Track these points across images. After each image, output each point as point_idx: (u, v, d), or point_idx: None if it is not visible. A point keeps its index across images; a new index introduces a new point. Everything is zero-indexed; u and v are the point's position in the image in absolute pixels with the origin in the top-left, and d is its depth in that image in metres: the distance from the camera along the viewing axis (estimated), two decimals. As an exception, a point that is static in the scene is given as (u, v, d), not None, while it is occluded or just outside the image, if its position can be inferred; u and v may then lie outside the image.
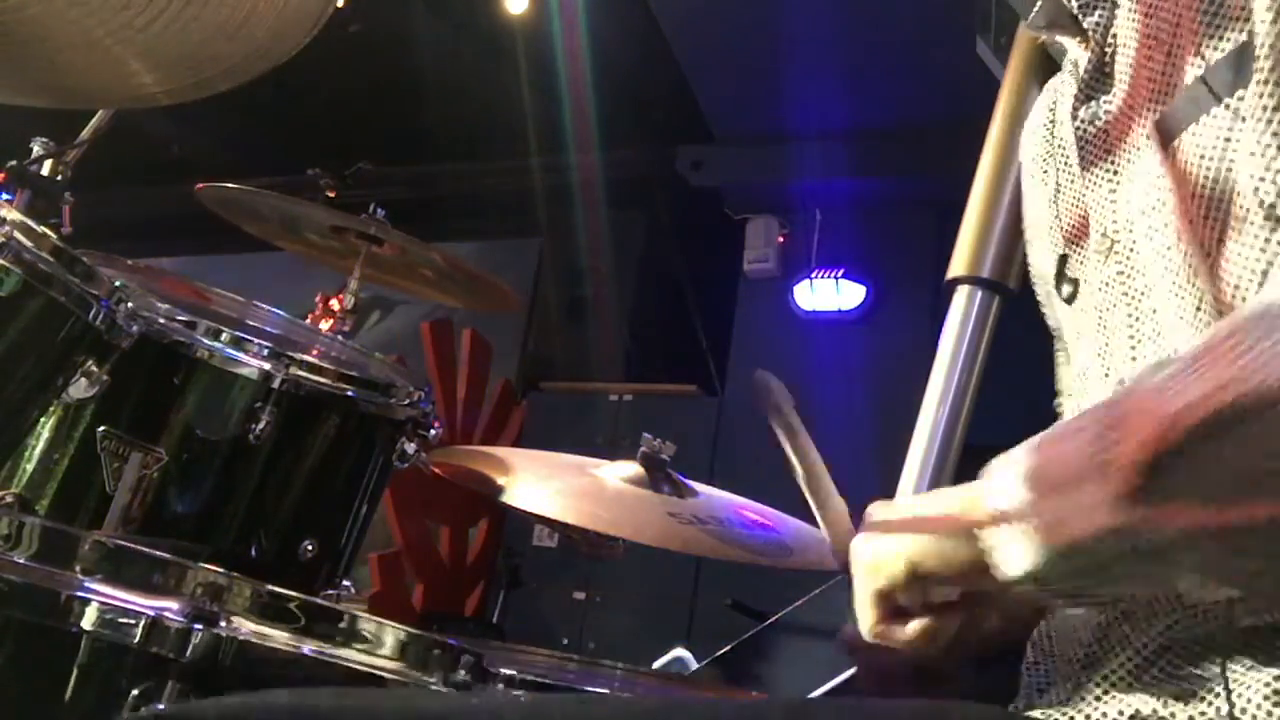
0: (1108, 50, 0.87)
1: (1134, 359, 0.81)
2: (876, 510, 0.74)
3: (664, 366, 5.07)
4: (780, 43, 4.16)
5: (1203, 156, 0.73)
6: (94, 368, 1.08)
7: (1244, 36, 0.71)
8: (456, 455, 1.45)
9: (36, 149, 1.64)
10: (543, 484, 1.29)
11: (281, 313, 1.51)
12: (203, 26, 1.11)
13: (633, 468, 1.31)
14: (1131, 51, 0.82)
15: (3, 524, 0.71)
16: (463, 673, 0.78)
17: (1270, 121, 0.68)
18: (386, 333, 5.48)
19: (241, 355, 1.21)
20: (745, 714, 0.73)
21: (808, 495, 0.75)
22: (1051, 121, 1.00)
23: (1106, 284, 0.86)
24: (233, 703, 0.60)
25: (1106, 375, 0.85)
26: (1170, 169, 0.76)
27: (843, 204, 4.88)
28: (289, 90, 3.78)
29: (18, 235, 0.93)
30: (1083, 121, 0.89)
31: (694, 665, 1.75)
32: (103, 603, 0.69)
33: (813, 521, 1.39)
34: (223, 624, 0.70)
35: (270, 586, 0.74)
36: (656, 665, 1.69)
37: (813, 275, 4.79)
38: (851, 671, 1.63)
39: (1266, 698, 0.64)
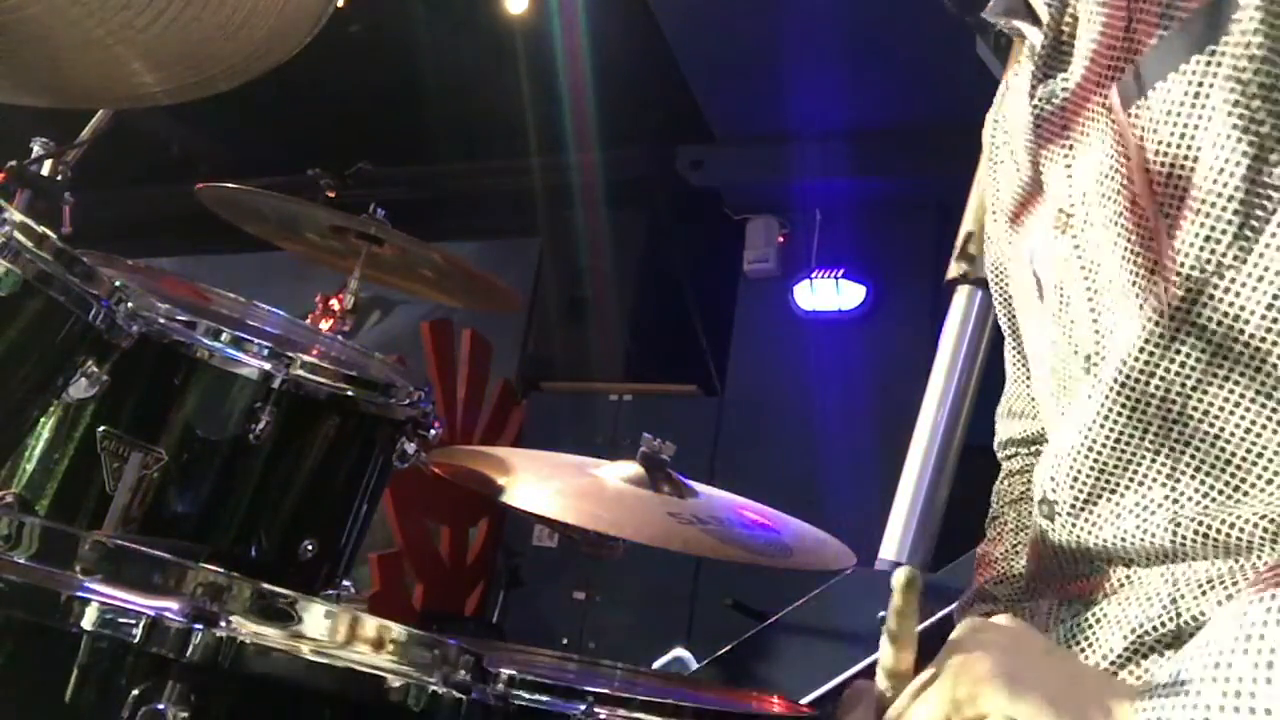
0: (1065, 29, 0.87)
1: (1096, 332, 0.81)
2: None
3: (664, 366, 5.07)
4: (780, 43, 4.16)
5: (1169, 113, 0.73)
6: (94, 368, 1.08)
7: None
8: (456, 455, 1.45)
9: (36, 149, 1.64)
10: (543, 484, 1.29)
11: (281, 313, 1.51)
12: (203, 26, 1.11)
13: (633, 468, 1.32)
14: (1097, 27, 0.82)
15: (3, 524, 0.71)
16: (463, 673, 0.78)
17: (1257, 71, 0.68)
18: (386, 333, 5.48)
19: (241, 355, 1.21)
20: None
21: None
22: (1004, 115, 1.00)
23: (1064, 260, 0.86)
24: None
25: (1075, 351, 0.85)
26: (1129, 133, 0.76)
27: (843, 204, 4.88)
28: (289, 90, 3.77)
29: (18, 235, 0.93)
30: (1040, 100, 0.89)
31: (694, 665, 1.76)
32: (103, 603, 0.68)
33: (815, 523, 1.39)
34: (223, 624, 0.70)
35: (270, 586, 0.74)
36: (656, 665, 1.69)
37: (813, 275, 4.79)
38: (852, 671, 1.63)
39: None
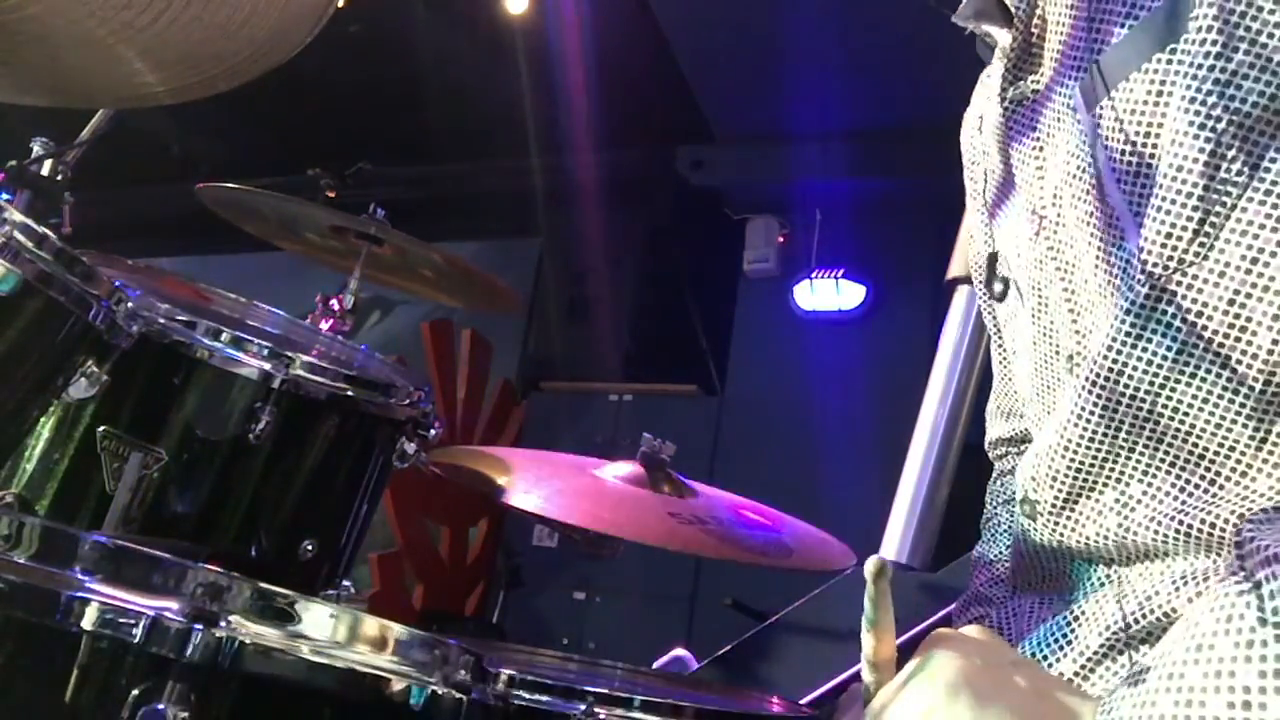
0: (1035, 31, 0.87)
1: (1076, 332, 0.82)
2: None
3: (664, 366, 5.07)
4: (780, 43, 4.16)
5: (1132, 112, 0.73)
6: (94, 368, 1.08)
7: None
8: (456, 455, 1.45)
9: (36, 149, 1.64)
10: (543, 484, 1.29)
11: (281, 313, 1.51)
12: (204, 26, 1.11)
13: (633, 468, 1.32)
14: (1064, 28, 0.83)
15: (3, 524, 0.71)
16: (463, 673, 0.78)
17: (1212, 69, 0.68)
18: (386, 333, 5.48)
19: (241, 355, 1.21)
20: None
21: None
22: (980, 117, 1.00)
23: (1040, 262, 0.86)
24: None
25: (1057, 353, 0.86)
26: (1095, 132, 0.76)
27: (843, 204, 4.87)
28: (289, 90, 3.78)
29: (18, 235, 0.93)
30: (1010, 102, 0.89)
31: (694, 665, 1.76)
32: (103, 603, 0.68)
33: (813, 523, 1.39)
34: (223, 624, 0.70)
35: (270, 586, 0.74)
36: (656, 665, 1.69)
37: (813, 275, 4.79)
38: (852, 671, 1.63)
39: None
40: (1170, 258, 0.70)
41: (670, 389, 4.94)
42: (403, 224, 2.11)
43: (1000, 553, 1.04)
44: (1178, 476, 0.73)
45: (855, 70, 4.17)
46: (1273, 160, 0.66)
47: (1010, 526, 1.06)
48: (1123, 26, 0.75)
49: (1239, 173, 0.67)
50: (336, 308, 2.04)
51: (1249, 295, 0.67)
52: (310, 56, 1.19)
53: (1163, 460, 0.74)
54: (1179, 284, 0.70)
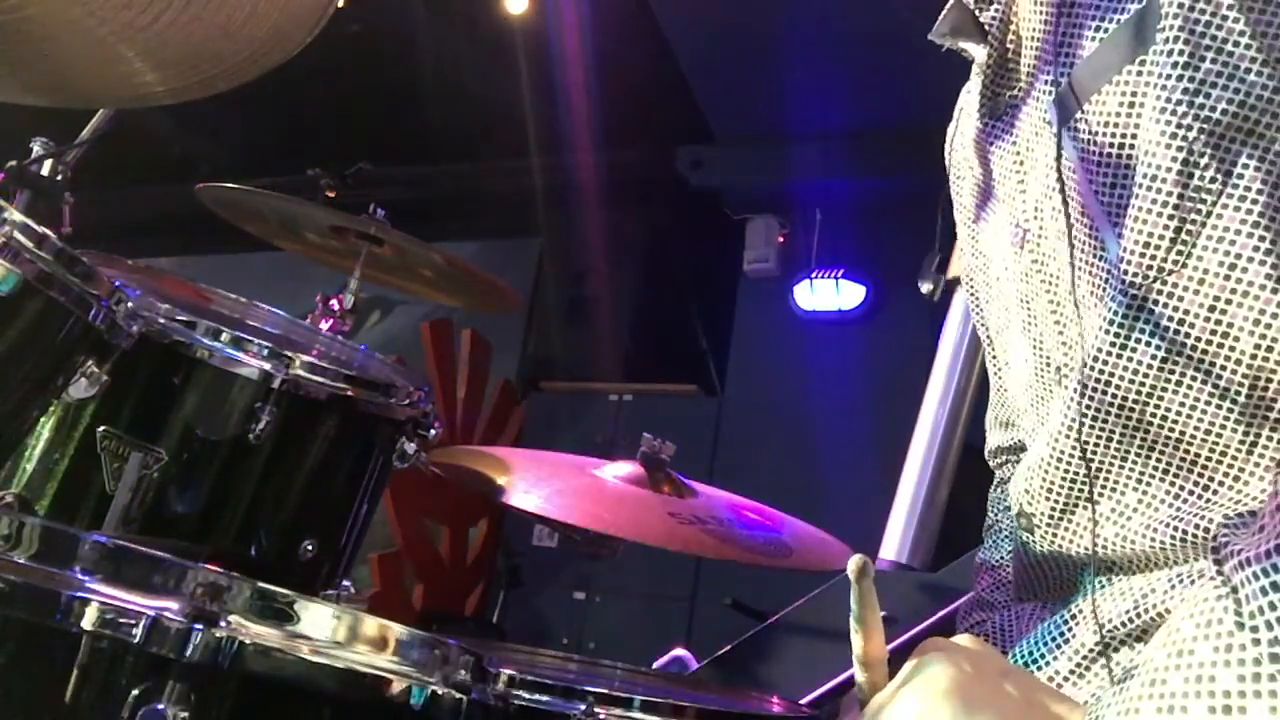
0: (1009, 46, 0.88)
1: (1063, 343, 0.82)
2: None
3: (664, 366, 5.07)
4: (780, 43, 4.16)
5: (1106, 124, 0.74)
6: (94, 368, 1.08)
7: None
8: (456, 455, 1.45)
9: (36, 149, 1.64)
10: (543, 484, 1.29)
11: (281, 313, 1.51)
12: (205, 26, 1.11)
13: (633, 468, 1.31)
14: (1036, 43, 0.83)
15: (3, 524, 0.71)
16: (463, 673, 0.78)
17: (1180, 78, 0.68)
18: (386, 333, 5.47)
19: (241, 355, 1.21)
20: None
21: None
22: (960, 132, 1.01)
23: (1025, 275, 0.86)
24: None
25: (1047, 364, 0.86)
26: (1072, 144, 0.77)
27: (843, 204, 4.87)
28: (289, 90, 3.77)
29: (18, 235, 0.93)
30: (989, 117, 0.89)
31: (694, 665, 1.75)
32: (103, 603, 0.68)
33: (813, 523, 1.39)
34: (223, 624, 0.70)
35: (270, 586, 0.74)
36: (656, 665, 1.69)
37: (813, 275, 4.79)
38: (852, 671, 1.62)
39: None
40: (1150, 267, 0.70)
41: (670, 389, 4.94)
42: (403, 224, 2.11)
43: (1002, 558, 1.05)
44: (1171, 483, 0.73)
45: (855, 70, 4.17)
46: (1244, 166, 0.66)
47: (1012, 533, 1.06)
48: (1093, 40, 0.76)
49: (1212, 180, 0.67)
50: (336, 308, 2.04)
51: (1229, 301, 0.68)
52: (310, 56, 1.19)
53: (1155, 468, 0.74)
54: (1160, 292, 0.71)
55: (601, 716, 0.81)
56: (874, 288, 4.76)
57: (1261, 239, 0.66)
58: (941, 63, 1.00)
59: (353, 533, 1.37)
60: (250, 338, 1.22)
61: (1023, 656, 0.81)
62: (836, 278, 4.76)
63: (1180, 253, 0.69)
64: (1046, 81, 0.81)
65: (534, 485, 1.27)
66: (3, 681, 0.71)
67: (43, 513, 1.13)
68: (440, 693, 0.76)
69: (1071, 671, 0.77)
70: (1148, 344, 0.72)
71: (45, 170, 1.63)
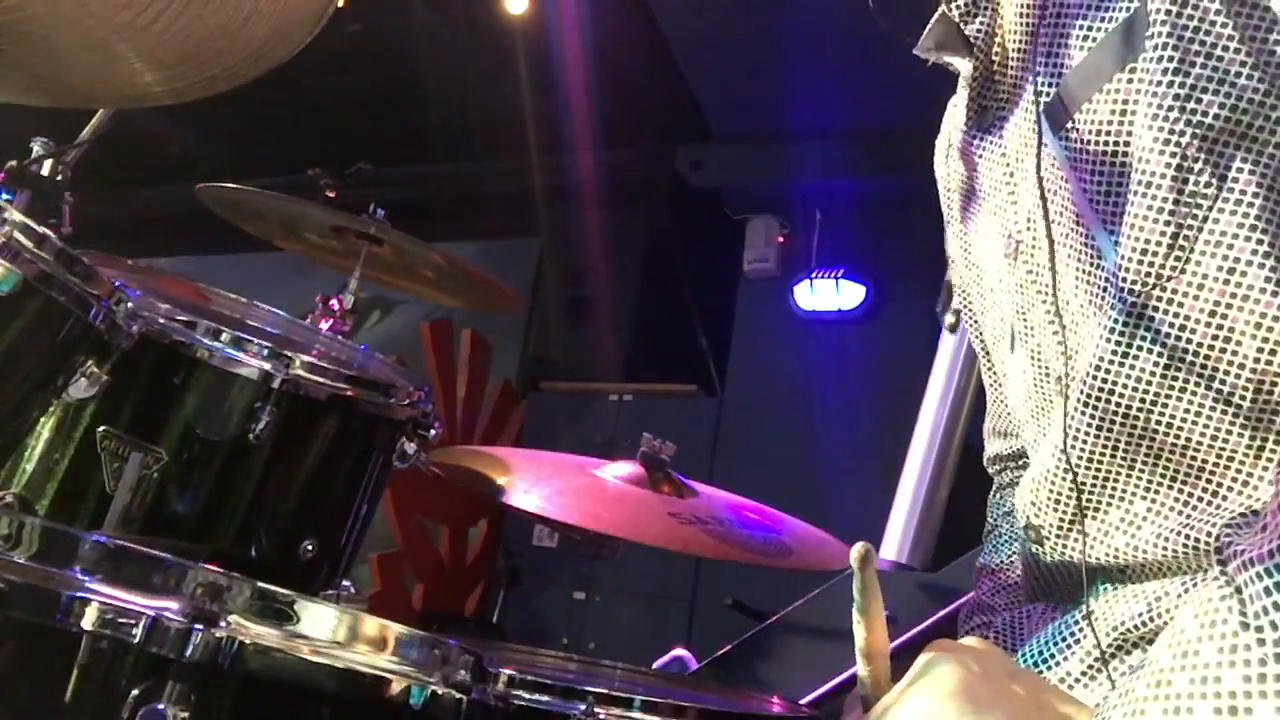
0: (995, 59, 0.87)
1: (1063, 353, 0.82)
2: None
3: (664, 366, 5.07)
4: (780, 43, 4.16)
5: (1099, 132, 0.74)
6: (94, 368, 1.08)
7: (1134, 4, 0.71)
8: (456, 455, 1.45)
9: (36, 149, 1.64)
10: (543, 484, 1.29)
11: (281, 313, 1.51)
12: (204, 26, 1.11)
13: (633, 468, 1.31)
14: (1024, 54, 0.83)
15: (3, 524, 0.71)
16: (463, 673, 0.78)
17: (1170, 84, 0.68)
18: (386, 333, 5.48)
19: (241, 355, 1.21)
20: None
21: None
22: (949, 145, 1.01)
23: (1020, 286, 0.86)
24: None
25: (1046, 374, 0.86)
26: (1064, 153, 0.77)
27: (843, 204, 4.87)
28: (289, 90, 3.78)
29: (18, 235, 0.93)
30: (978, 130, 0.89)
31: (694, 665, 1.75)
32: (103, 603, 0.68)
33: (813, 522, 1.39)
34: (223, 624, 0.70)
35: (270, 586, 0.74)
36: (656, 665, 1.69)
37: (813, 275, 4.79)
38: (852, 671, 1.63)
39: None
40: (1148, 273, 0.70)
41: (670, 389, 4.94)
42: (403, 224, 2.11)
43: (1002, 562, 1.05)
44: (1180, 491, 0.73)
45: (855, 70, 4.17)
46: (1239, 170, 0.66)
47: (1011, 536, 1.06)
48: (1081, 49, 0.75)
49: (1207, 184, 0.67)
50: (336, 308, 2.04)
51: (1229, 306, 0.67)
52: (310, 56, 1.19)
53: (1163, 476, 0.74)
54: (1159, 299, 0.70)
55: (601, 716, 0.81)
56: (874, 288, 4.76)
57: (1260, 242, 0.66)
58: (942, 64, 1.00)
59: (353, 533, 1.37)
60: (250, 338, 1.22)
61: (1033, 656, 0.81)
62: (836, 278, 4.76)
63: (1179, 258, 0.69)
64: (1035, 92, 0.81)
65: (534, 485, 1.27)
66: (3, 681, 0.71)
67: (43, 513, 1.13)
68: (440, 693, 0.76)
69: (1083, 673, 0.77)
70: (1150, 351, 0.71)
71: (45, 170, 1.63)
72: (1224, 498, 0.71)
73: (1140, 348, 0.72)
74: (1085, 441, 0.77)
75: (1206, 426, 0.70)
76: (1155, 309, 0.71)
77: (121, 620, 0.68)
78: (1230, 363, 0.68)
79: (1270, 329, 0.66)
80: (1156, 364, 0.71)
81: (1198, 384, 0.70)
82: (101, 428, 1.14)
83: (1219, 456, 0.71)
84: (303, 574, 1.28)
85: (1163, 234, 0.69)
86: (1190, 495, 0.73)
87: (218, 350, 1.20)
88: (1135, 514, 0.76)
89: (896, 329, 4.55)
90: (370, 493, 1.37)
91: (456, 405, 4.71)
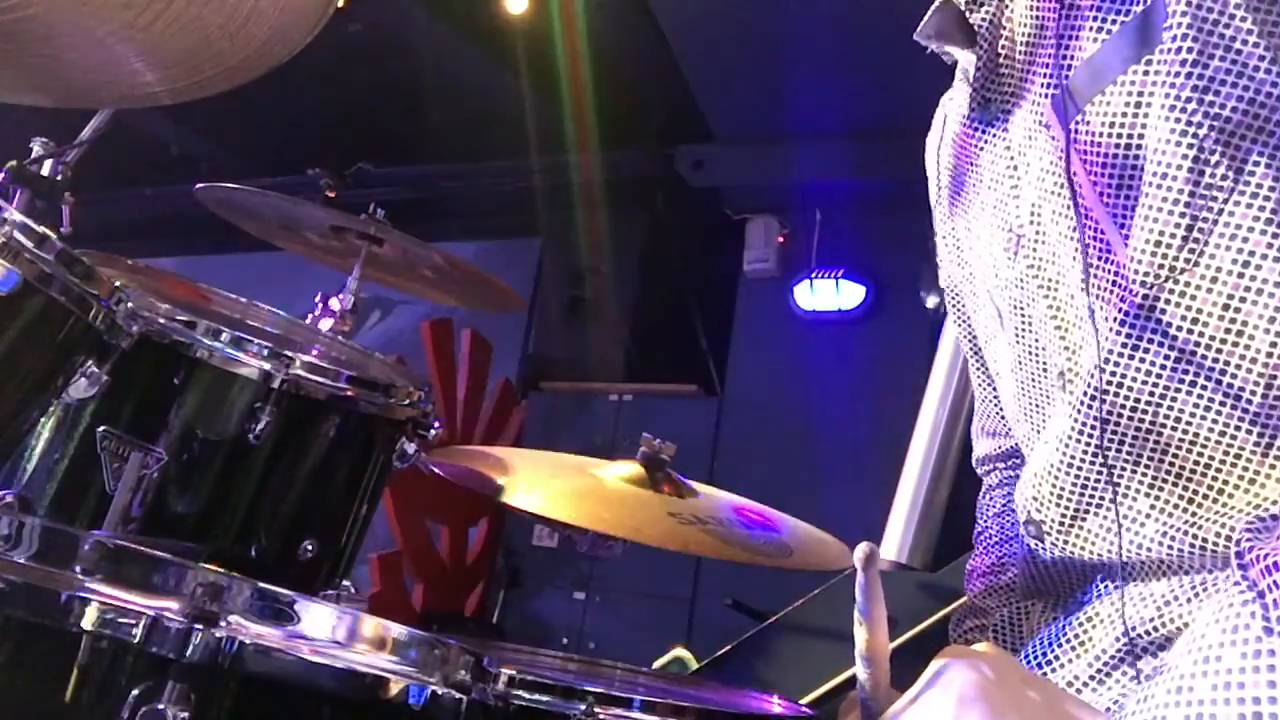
0: (1002, 50, 0.87)
1: (1066, 348, 0.81)
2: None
3: (664, 366, 5.07)
4: (780, 43, 4.16)
5: (1111, 125, 0.73)
6: (94, 368, 1.08)
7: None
8: (456, 455, 1.45)
9: (36, 149, 1.64)
10: (543, 484, 1.29)
11: (281, 313, 1.51)
12: (204, 26, 1.11)
13: (633, 468, 1.31)
14: (1032, 46, 0.83)
15: (3, 524, 0.71)
16: (463, 673, 0.78)
17: (1189, 76, 0.68)
18: (386, 333, 5.48)
19: (241, 355, 1.21)
20: None
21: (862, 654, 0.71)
22: (941, 140, 1.00)
23: (1020, 281, 0.86)
24: None
25: (1045, 370, 0.85)
26: (1073, 148, 0.76)
27: (843, 204, 4.87)
28: (289, 90, 3.78)
29: (18, 235, 0.93)
30: (979, 123, 0.89)
31: (694, 665, 1.76)
32: (103, 603, 0.68)
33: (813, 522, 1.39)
34: (223, 624, 0.70)
35: (270, 586, 0.74)
36: (656, 665, 1.69)
37: (813, 275, 4.79)
38: (852, 671, 1.63)
39: None
40: (1161, 266, 0.70)
41: (670, 389, 4.95)
42: (403, 224, 2.11)
43: (993, 563, 1.04)
44: (1184, 488, 0.72)
45: (855, 70, 4.17)
46: (1256, 164, 0.66)
47: (1001, 538, 1.06)
48: (1094, 41, 0.75)
49: (1224, 177, 0.67)
50: (336, 308, 2.04)
51: (1243, 299, 0.67)
52: (310, 56, 1.19)
53: (1168, 472, 0.73)
54: (1172, 292, 0.70)
55: (601, 716, 0.81)
56: (874, 288, 4.76)
57: (1275, 236, 0.65)
58: (943, 64, 1.00)
59: (353, 533, 1.37)
60: (250, 338, 1.22)
61: (1036, 657, 0.81)
62: (836, 278, 4.76)
63: (1193, 251, 0.69)
64: (1043, 84, 0.80)
65: (534, 485, 1.27)
66: (3, 681, 0.71)
67: (43, 513, 1.13)
68: (440, 693, 0.76)
69: (1091, 677, 0.76)
70: (1160, 344, 0.71)
71: (45, 170, 1.63)
72: (1230, 495, 0.70)
73: (1151, 341, 0.71)
74: (1091, 436, 0.76)
75: (1215, 422, 0.70)
76: (1167, 302, 0.70)
77: (121, 620, 0.68)
78: (1242, 358, 0.68)
79: None
80: (1168, 357, 0.71)
81: (1209, 378, 0.69)
82: (101, 428, 1.15)
83: (1226, 453, 0.70)
84: (303, 574, 1.28)
85: (1177, 226, 0.69)
86: (1195, 493, 0.72)
87: (218, 350, 1.20)
88: (1138, 511, 0.75)
89: (896, 329, 4.55)
90: (370, 493, 1.37)
91: (456, 405, 4.70)
